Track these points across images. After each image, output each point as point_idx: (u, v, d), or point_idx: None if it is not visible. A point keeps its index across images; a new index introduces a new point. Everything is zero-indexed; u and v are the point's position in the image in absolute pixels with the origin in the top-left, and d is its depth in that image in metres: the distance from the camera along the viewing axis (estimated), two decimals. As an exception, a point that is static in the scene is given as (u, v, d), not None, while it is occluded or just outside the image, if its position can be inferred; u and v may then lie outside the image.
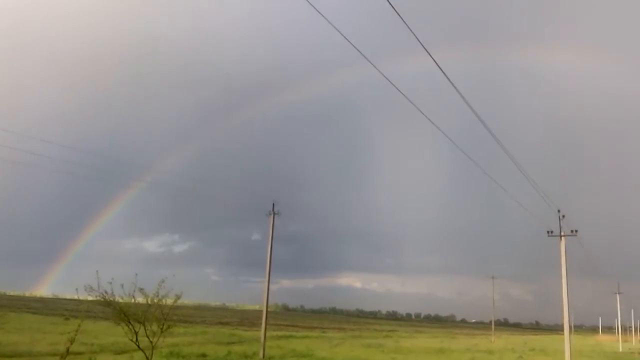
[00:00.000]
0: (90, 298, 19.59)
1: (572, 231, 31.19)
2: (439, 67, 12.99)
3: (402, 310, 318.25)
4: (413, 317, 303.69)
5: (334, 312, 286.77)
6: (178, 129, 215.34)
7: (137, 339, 19.43)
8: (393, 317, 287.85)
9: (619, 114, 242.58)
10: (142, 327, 19.57)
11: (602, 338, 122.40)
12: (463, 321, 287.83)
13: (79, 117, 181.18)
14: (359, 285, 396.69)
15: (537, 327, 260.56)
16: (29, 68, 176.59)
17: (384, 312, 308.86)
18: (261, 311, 37.43)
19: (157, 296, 19.39)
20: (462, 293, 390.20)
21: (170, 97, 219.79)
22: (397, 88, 15.42)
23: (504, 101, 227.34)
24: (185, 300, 20.65)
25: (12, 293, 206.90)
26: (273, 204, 37.89)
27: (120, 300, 19.46)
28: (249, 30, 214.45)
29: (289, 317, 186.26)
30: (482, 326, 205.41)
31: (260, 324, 36.49)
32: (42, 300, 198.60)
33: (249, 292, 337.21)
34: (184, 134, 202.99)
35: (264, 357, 34.19)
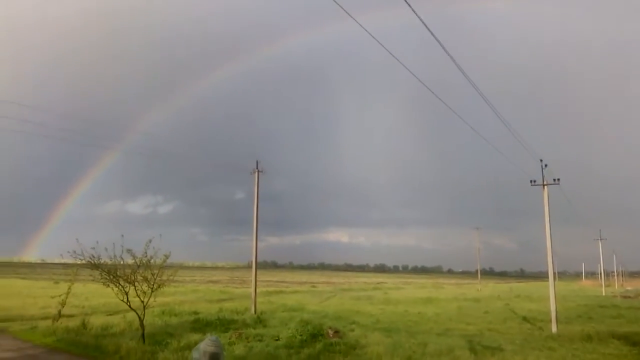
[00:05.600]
0: (79, 262, 19.41)
1: (554, 180, 31.46)
2: (420, 19, 12.73)
3: (389, 262, 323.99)
4: (401, 269, 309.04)
5: (322, 267, 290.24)
6: (150, 91, 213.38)
7: (127, 299, 19.48)
8: (381, 270, 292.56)
9: (592, 63, 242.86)
10: (132, 288, 19.60)
11: (586, 283, 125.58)
12: (450, 271, 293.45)
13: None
14: (346, 240, 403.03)
15: (521, 275, 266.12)
16: None
17: (372, 265, 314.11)
18: (249, 269, 37.66)
19: (146, 256, 19.31)
20: (447, 244, 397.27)
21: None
22: (373, 36, 15.10)
23: (481, 53, 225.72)
24: (173, 261, 20.59)
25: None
26: (257, 162, 37.94)
27: (109, 262, 19.38)
28: None
29: (278, 273, 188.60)
30: (468, 276, 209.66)
31: (250, 281, 36.82)
32: (30, 265, 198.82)
33: (235, 251, 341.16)
34: (157, 95, 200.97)
35: (255, 312, 34.70)
